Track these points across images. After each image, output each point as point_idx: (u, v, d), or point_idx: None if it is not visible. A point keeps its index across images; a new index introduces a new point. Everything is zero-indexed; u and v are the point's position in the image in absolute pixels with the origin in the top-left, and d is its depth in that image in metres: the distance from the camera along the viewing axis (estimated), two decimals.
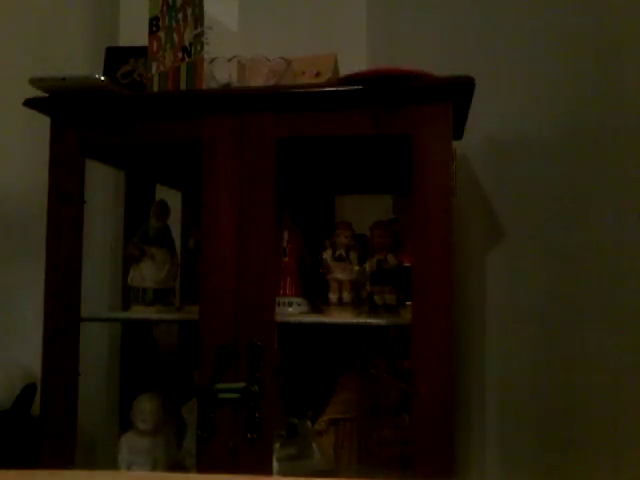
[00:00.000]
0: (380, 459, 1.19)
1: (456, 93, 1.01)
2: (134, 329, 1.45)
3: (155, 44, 1.18)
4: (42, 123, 1.14)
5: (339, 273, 1.16)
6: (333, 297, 1.16)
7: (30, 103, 1.13)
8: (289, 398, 1.30)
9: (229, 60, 1.11)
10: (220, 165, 1.07)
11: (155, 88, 1.17)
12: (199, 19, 1.12)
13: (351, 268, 1.17)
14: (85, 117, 1.13)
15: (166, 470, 1.22)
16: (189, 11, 1.14)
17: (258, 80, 1.11)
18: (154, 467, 1.21)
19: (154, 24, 1.18)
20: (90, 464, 1.42)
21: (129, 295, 1.26)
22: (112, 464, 1.23)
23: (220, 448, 1.03)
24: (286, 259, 1.25)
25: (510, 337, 1.27)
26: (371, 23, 1.57)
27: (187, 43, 1.14)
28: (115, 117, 1.12)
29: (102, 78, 1.08)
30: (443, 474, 0.96)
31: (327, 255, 1.17)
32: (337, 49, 1.21)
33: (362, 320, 1.13)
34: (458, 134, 1.19)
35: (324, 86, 1.08)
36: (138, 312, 1.23)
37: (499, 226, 1.30)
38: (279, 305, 1.17)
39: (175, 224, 1.38)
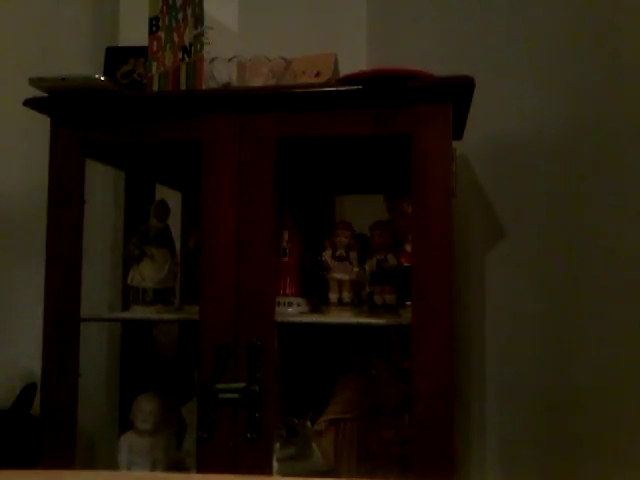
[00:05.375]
0: (380, 459, 1.19)
1: (456, 93, 1.01)
2: (134, 329, 1.45)
3: (155, 44, 1.18)
4: (42, 123, 1.14)
5: (339, 273, 1.16)
6: (333, 297, 1.16)
7: (30, 103, 1.13)
8: (289, 398, 1.30)
9: (229, 60, 1.12)
10: (220, 165, 1.07)
11: (155, 88, 1.17)
12: (199, 19, 1.12)
13: (351, 268, 1.17)
14: (85, 117, 1.13)
15: (166, 470, 1.22)
16: (189, 11, 1.14)
17: (258, 80, 1.11)
18: (154, 467, 1.21)
19: (154, 24, 1.18)
20: (90, 464, 1.42)
21: (129, 295, 1.26)
22: (112, 464, 1.23)
23: (220, 448, 1.03)
24: (286, 259, 1.25)
25: (510, 337, 1.27)
26: (371, 23, 1.57)
27: (187, 43, 1.14)
28: (115, 117, 1.12)
29: (102, 78, 1.08)
30: (443, 474, 0.96)
31: (327, 255, 1.17)
32: (337, 49, 1.21)
33: (362, 320, 1.13)
34: (458, 134, 1.19)
35: (324, 86, 1.08)
36: (138, 312, 1.23)
37: (499, 226, 1.30)
38: (279, 305, 1.17)
39: (175, 224, 1.38)
